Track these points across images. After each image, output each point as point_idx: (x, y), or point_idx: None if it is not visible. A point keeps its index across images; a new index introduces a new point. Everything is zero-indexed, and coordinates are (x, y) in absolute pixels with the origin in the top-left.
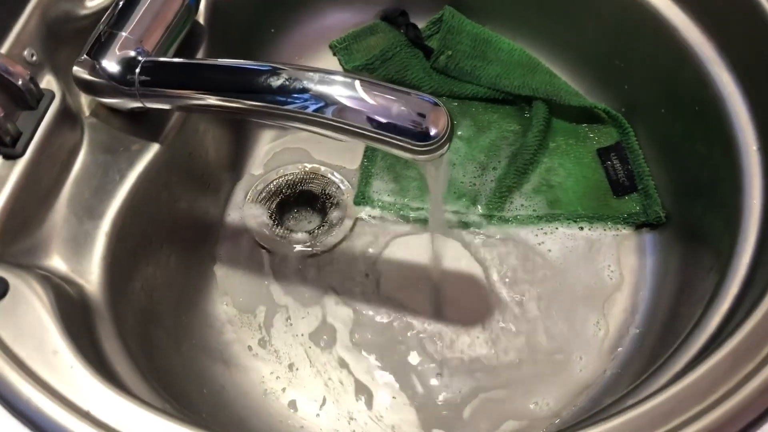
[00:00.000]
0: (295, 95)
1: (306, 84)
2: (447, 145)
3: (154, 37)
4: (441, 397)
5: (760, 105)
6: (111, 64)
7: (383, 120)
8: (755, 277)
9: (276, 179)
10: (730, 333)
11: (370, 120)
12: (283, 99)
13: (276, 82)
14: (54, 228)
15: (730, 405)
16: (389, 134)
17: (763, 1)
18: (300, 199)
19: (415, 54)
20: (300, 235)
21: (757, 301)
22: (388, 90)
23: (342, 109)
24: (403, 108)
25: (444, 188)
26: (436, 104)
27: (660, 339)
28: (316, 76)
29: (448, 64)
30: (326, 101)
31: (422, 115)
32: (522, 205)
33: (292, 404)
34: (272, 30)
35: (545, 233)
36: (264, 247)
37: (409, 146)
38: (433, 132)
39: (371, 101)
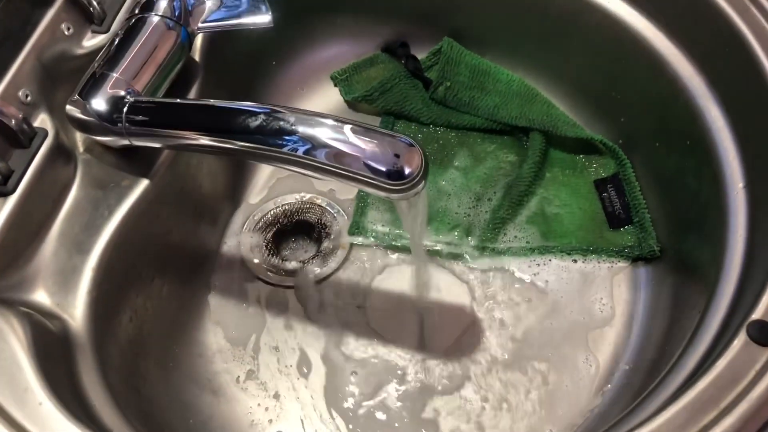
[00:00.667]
0: (274, 136)
1: (283, 125)
2: (421, 184)
3: (145, 77)
4: None
5: (747, 140)
6: (100, 104)
7: (359, 161)
8: (732, 320)
9: (273, 209)
10: (695, 379)
11: (346, 161)
12: (259, 138)
13: (254, 122)
14: (42, 263)
15: None
16: (365, 174)
17: (751, 38)
18: (296, 228)
19: (415, 85)
20: (294, 265)
21: (726, 345)
22: (369, 132)
23: (316, 148)
24: (377, 149)
25: (423, 224)
26: (410, 144)
27: (647, 376)
28: (293, 117)
29: (447, 95)
30: (304, 141)
31: (397, 156)
32: (516, 237)
33: None
34: (274, 62)
35: (538, 265)
36: (259, 278)
37: (384, 185)
38: (407, 171)
39: (348, 141)
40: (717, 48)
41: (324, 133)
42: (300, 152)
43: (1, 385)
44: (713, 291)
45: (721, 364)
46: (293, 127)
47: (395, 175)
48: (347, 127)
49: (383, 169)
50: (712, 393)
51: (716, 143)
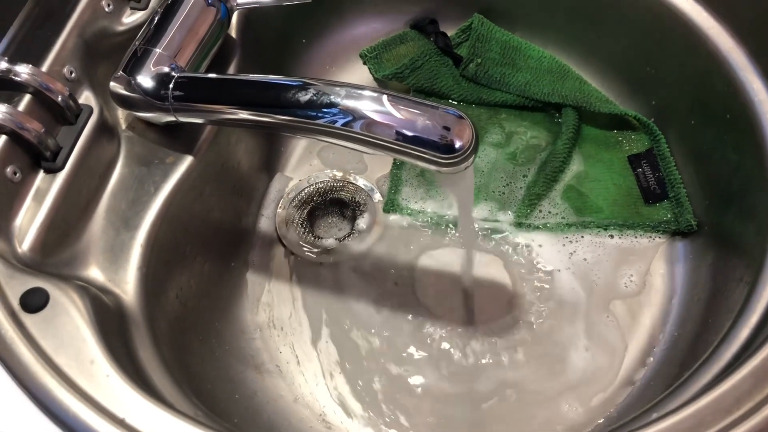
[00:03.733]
0: (323, 110)
1: (333, 99)
2: (472, 158)
3: (187, 52)
4: (468, 404)
5: None
6: (146, 80)
7: (409, 133)
8: None
9: (307, 187)
10: (756, 347)
11: (396, 133)
12: (311, 113)
13: (304, 96)
14: (92, 239)
15: (754, 422)
16: (415, 147)
17: None
18: (330, 206)
19: (445, 62)
20: (330, 242)
21: None
22: (414, 104)
23: (369, 123)
24: (428, 121)
25: (471, 197)
26: (460, 117)
27: (690, 350)
28: (344, 90)
29: (478, 71)
30: (353, 115)
31: (447, 128)
32: (551, 212)
33: (322, 411)
34: (303, 40)
35: (574, 241)
36: (295, 254)
37: (435, 159)
38: (458, 144)
39: (397, 115)
40: (758, 19)
41: (372, 106)
42: (356, 128)
43: (68, 358)
44: (762, 262)
45: None
46: (343, 101)
47: (445, 148)
48: (394, 99)
49: (434, 142)
50: None
51: (759, 116)
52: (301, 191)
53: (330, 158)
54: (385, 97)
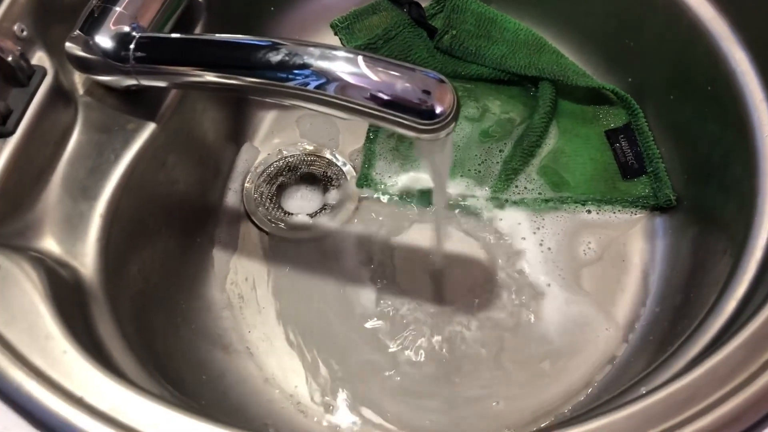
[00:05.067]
0: (296, 71)
1: (307, 60)
2: (453, 124)
3: (149, 12)
4: (444, 381)
5: None
6: (105, 40)
7: (387, 97)
8: None
9: (276, 161)
10: (747, 318)
11: (374, 97)
12: (283, 75)
13: (275, 57)
14: (47, 209)
15: (751, 391)
16: (393, 112)
17: None
18: (301, 181)
19: (419, 33)
20: (300, 218)
21: None
22: (392, 66)
23: (344, 85)
24: (407, 84)
25: (448, 169)
26: (441, 81)
27: (671, 325)
28: (317, 51)
29: (453, 44)
30: (328, 77)
31: (427, 92)
32: (527, 188)
33: (293, 391)
34: (272, 8)
35: (551, 217)
36: (264, 231)
37: (414, 124)
38: (438, 110)
39: (374, 77)
40: None
41: (347, 68)
42: (330, 91)
43: (21, 333)
44: (747, 234)
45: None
46: (316, 63)
47: (426, 114)
48: (371, 61)
49: (413, 106)
50: (764, 335)
51: (741, 86)
52: (270, 165)
53: (301, 130)
54: (360, 58)
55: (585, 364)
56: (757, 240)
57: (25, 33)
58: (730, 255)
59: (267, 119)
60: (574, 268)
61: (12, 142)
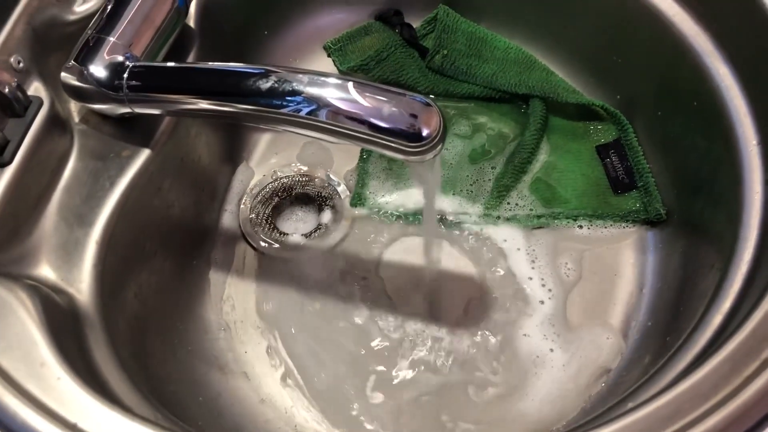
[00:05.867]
0: (288, 98)
1: (297, 86)
2: (440, 146)
3: (142, 41)
4: (440, 399)
5: (758, 98)
6: (99, 70)
7: (375, 122)
8: (757, 274)
9: (271, 182)
10: (732, 332)
11: (362, 122)
12: (276, 102)
13: (267, 84)
14: (43, 236)
15: (733, 406)
16: (381, 136)
17: None
18: (297, 201)
19: (411, 54)
20: (296, 239)
21: (760, 299)
22: (380, 91)
23: (334, 111)
24: (395, 109)
25: (437, 189)
26: (428, 104)
27: (662, 339)
28: (308, 78)
29: (444, 63)
30: (319, 104)
31: (414, 116)
32: (519, 205)
33: (290, 412)
34: (265, 32)
35: (542, 233)
36: (260, 252)
37: (402, 147)
38: (425, 132)
39: (363, 103)
40: (720, 2)
41: (338, 94)
42: (320, 117)
43: (16, 360)
44: (733, 248)
45: (758, 315)
46: (307, 89)
47: (413, 137)
48: (360, 87)
49: (401, 130)
50: (751, 344)
51: (726, 101)
52: (265, 186)
53: (296, 151)
54: (350, 84)
55: (576, 379)
56: (743, 254)
57: (21, 65)
58: (718, 269)
59: (262, 141)
60: (567, 283)
61: (9, 171)
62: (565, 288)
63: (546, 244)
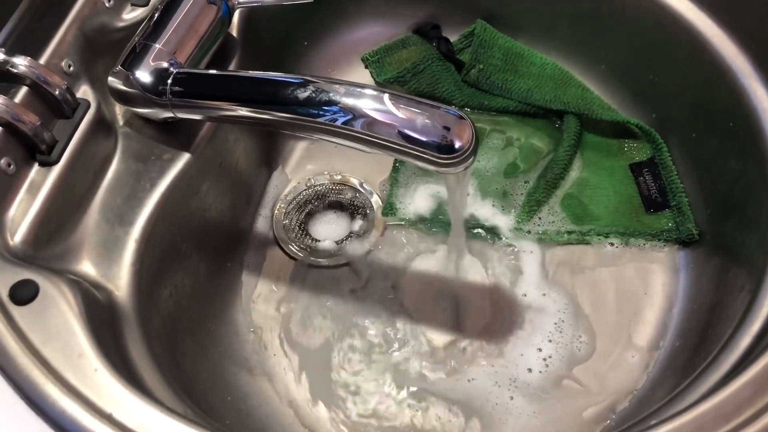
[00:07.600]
0: (325, 107)
1: (334, 97)
2: (472, 158)
3: (187, 48)
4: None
5: None
6: (144, 75)
7: (409, 133)
8: None
9: (305, 189)
10: (758, 354)
11: (397, 133)
12: (313, 111)
13: (306, 94)
14: (86, 233)
15: (755, 429)
16: (414, 147)
17: None
18: (329, 208)
19: (447, 67)
20: (327, 246)
21: None
22: (414, 103)
23: (369, 122)
24: (428, 121)
25: (465, 201)
26: (461, 117)
27: (689, 359)
28: (344, 88)
29: (480, 77)
30: (355, 114)
31: (447, 128)
32: (551, 221)
33: (317, 414)
34: (305, 42)
35: (572, 249)
36: (291, 257)
37: (434, 159)
38: (457, 145)
39: (398, 114)
40: (762, 25)
41: (373, 105)
42: (356, 126)
43: (55, 351)
44: (764, 270)
45: None
46: (344, 100)
47: (445, 148)
48: (395, 98)
49: (434, 142)
50: None
51: (762, 124)
52: (300, 193)
53: (331, 159)
54: (386, 96)
55: (603, 397)
56: None
57: (71, 68)
58: (748, 291)
59: (298, 148)
60: (596, 300)
61: (56, 170)
62: (594, 306)
63: (576, 260)
